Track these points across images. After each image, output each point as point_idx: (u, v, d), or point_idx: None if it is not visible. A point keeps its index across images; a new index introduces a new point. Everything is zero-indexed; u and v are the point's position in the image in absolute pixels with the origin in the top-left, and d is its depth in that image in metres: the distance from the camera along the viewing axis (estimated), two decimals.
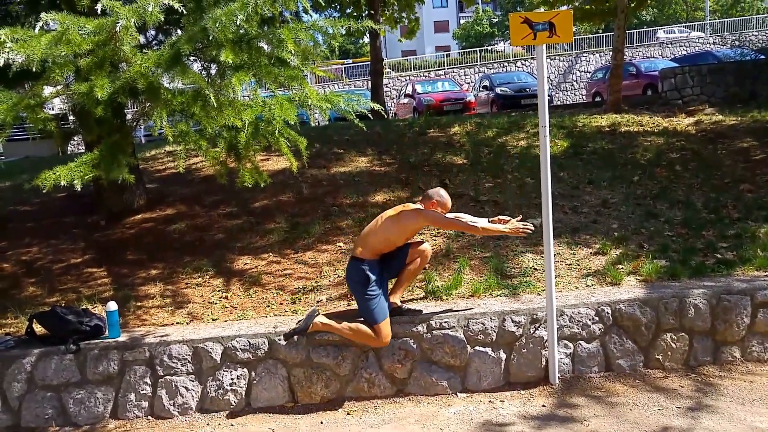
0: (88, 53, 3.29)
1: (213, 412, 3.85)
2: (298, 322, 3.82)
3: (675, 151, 7.21)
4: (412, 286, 4.44)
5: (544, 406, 3.63)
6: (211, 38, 3.35)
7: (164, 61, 3.38)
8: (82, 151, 6.13)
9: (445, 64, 29.93)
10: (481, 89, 18.27)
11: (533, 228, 3.82)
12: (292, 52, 3.65)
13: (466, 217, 4.01)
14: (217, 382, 3.86)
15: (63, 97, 3.90)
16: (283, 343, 3.83)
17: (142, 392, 3.86)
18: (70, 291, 4.81)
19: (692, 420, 3.33)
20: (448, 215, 3.87)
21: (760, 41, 26.39)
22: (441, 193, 3.89)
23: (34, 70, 3.13)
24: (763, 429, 3.20)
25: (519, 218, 3.88)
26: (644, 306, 3.95)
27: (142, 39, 5.36)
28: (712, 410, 3.43)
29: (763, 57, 12.32)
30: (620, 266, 4.52)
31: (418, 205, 3.86)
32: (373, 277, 3.72)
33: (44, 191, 3.40)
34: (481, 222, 3.89)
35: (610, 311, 3.94)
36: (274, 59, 3.72)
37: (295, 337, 3.81)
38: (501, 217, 4.05)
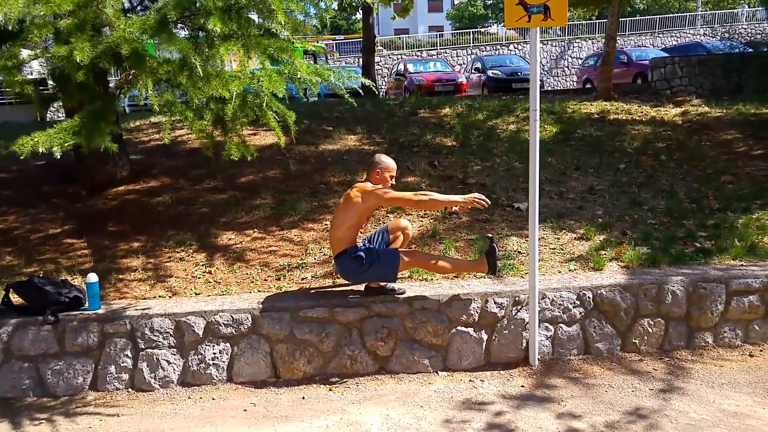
0: (69, 14, 3.18)
1: (195, 386, 3.85)
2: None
3: (661, 140, 7.26)
4: None
5: (522, 386, 3.68)
6: (198, 5, 3.26)
7: (150, 27, 3.28)
8: (63, 117, 6.00)
9: (438, 45, 29.72)
10: (472, 71, 18.21)
11: (489, 202, 3.77)
12: (282, 23, 3.57)
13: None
14: (199, 356, 3.86)
15: (42, 60, 3.79)
16: (263, 320, 3.83)
17: (122, 365, 3.84)
18: (49, 261, 4.74)
19: (663, 401, 3.41)
20: (393, 192, 3.82)
21: (749, 34, 26.61)
22: (383, 159, 3.89)
23: (10, 29, 3.02)
24: (730, 411, 3.29)
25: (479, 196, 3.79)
26: (624, 291, 4.00)
27: (126, 3, 5.21)
28: (682, 392, 3.51)
29: (751, 50, 12.42)
30: (603, 252, 4.57)
31: (364, 183, 3.83)
32: (362, 254, 3.74)
33: (21, 157, 3.31)
34: (431, 194, 3.81)
35: (591, 296, 3.99)
36: (263, 30, 3.64)
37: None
38: None
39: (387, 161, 3.90)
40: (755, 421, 3.18)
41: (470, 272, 4.01)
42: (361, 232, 3.98)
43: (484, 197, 3.71)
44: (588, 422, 3.23)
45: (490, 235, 3.93)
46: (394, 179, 3.91)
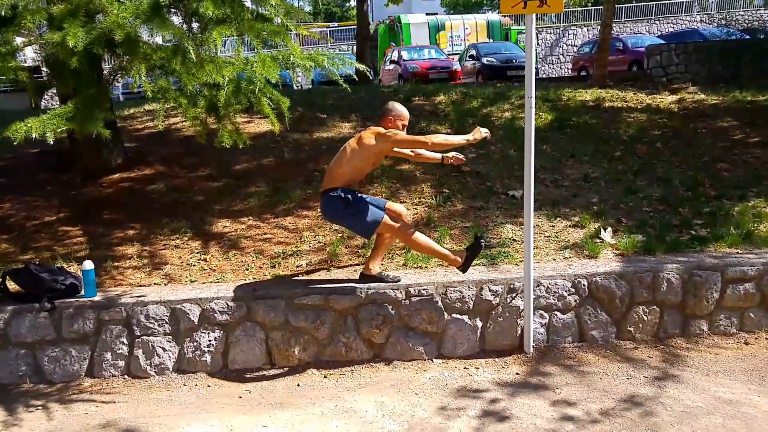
0: (62, 0, 3.16)
1: (190, 373, 3.86)
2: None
3: (657, 128, 7.25)
4: (392, 253, 4.45)
5: (517, 373, 3.70)
6: None
7: (143, 12, 3.25)
8: (57, 105, 5.98)
9: None
10: (467, 59, 18.11)
11: (489, 134, 3.80)
12: (274, 4, 3.54)
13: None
14: (195, 344, 3.86)
15: (36, 47, 3.76)
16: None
17: (118, 352, 3.84)
18: (45, 249, 4.72)
19: (658, 389, 3.44)
20: (406, 135, 3.77)
21: (746, 21, 26.53)
22: (396, 107, 3.85)
23: (3, 15, 2.99)
24: (725, 399, 3.32)
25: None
26: (619, 279, 4.02)
27: None
28: (677, 380, 3.54)
29: (748, 37, 12.38)
30: (598, 239, 4.58)
31: (378, 128, 3.79)
32: (350, 197, 3.70)
33: (15, 143, 3.29)
34: (440, 135, 3.80)
35: (586, 283, 4.01)
36: (256, 15, 3.61)
37: None
38: (455, 155, 4.07)
39: (400, 109, 3.84)
40: (750, 408, 3.21)
41: (442, 260, 3.94)
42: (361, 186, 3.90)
43: (485, 130, 3.76)
44: (583, 409, 3.25)
45: (479, 234, 3.93)
46: (406, 129, 3.86)
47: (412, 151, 4.05)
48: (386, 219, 3.77)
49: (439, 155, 4.07)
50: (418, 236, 3.86)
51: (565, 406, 3.30)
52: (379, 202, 3.99)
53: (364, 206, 3.75)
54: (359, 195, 3.82)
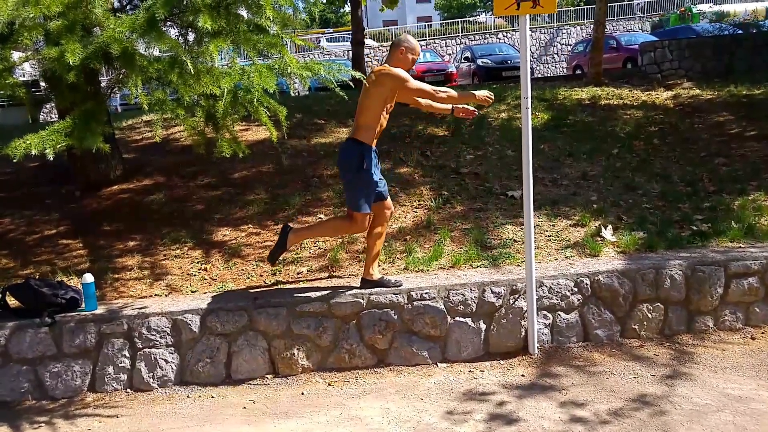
0: (58, 16, 3.16)
1: (193, 384, 3.83)
2: (276, 244, 3.99)
3: (653, 124, 7.26)
4: (393, 257, 4.44)
5: (523, 375, 3.68)
6: (187, 3, 3.23)
7: (139, 26, 3.25)
8: (55, 119, 5.97)
9: (427, 35, 29.65)
10: (462, 61, 18.17)
11: (493, 99, 3.82)
12: (271, 18, 3.55)
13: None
14: (197, 355, 3.84)
15: (33, 62, 3.76)
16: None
17: (120, 365, 3.82)
18: (45, 263, 4.70)
19: (667, 387, 3.42)
20: (414, 83, 3.68)
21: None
22: (409, 38, 3.80)
23: (0, 32, 3.00)
24: (734, 395, 3.29)
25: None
26: (622, 277, 4.01)
27: (116, 2, 5.16)
28: (686, 378, 3.52)
29: (740, 32, 12.42)
30: (599, 238, 4.57)
31: (389, 67, 3.70)
32: (367, 160, 3.67)
33: (14, 160, 3.29)
34: (449, 90, 3.79)
35: (588, 282, 3.99)
36: (252, 26, 3.61)
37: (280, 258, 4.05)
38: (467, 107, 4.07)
39: (413, 41, 3.77)
40: (760, 404, 3.19)
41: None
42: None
43: (490, 94, 3.80)
44: (591, 410, 3.23)
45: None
46: (415, 63, 3.80)
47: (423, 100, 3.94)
48: (361, 215, 3.75)
49: (449, 106, 4.01)
50: (341, 228, 4.03)
51: (574, 407, 3.28)
52: (383, 190, 3.89)
53: (368, 187, 3.71)
54: (373, 171, 3.73)
